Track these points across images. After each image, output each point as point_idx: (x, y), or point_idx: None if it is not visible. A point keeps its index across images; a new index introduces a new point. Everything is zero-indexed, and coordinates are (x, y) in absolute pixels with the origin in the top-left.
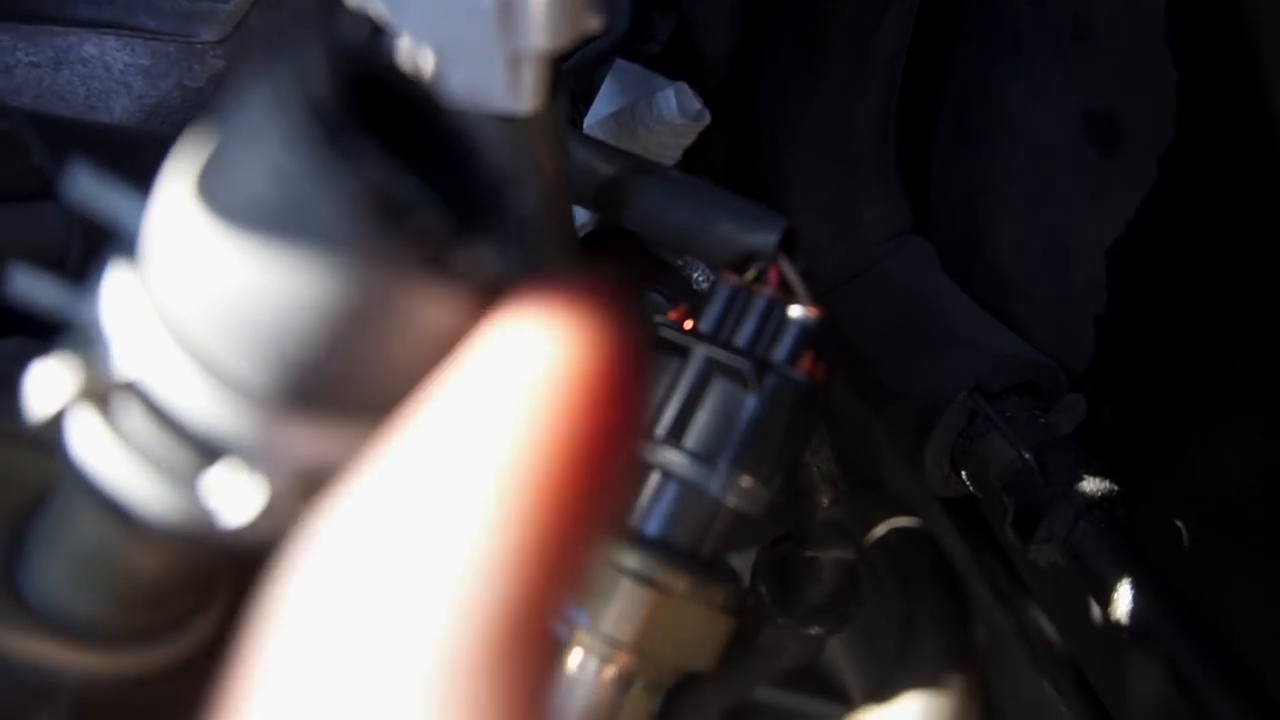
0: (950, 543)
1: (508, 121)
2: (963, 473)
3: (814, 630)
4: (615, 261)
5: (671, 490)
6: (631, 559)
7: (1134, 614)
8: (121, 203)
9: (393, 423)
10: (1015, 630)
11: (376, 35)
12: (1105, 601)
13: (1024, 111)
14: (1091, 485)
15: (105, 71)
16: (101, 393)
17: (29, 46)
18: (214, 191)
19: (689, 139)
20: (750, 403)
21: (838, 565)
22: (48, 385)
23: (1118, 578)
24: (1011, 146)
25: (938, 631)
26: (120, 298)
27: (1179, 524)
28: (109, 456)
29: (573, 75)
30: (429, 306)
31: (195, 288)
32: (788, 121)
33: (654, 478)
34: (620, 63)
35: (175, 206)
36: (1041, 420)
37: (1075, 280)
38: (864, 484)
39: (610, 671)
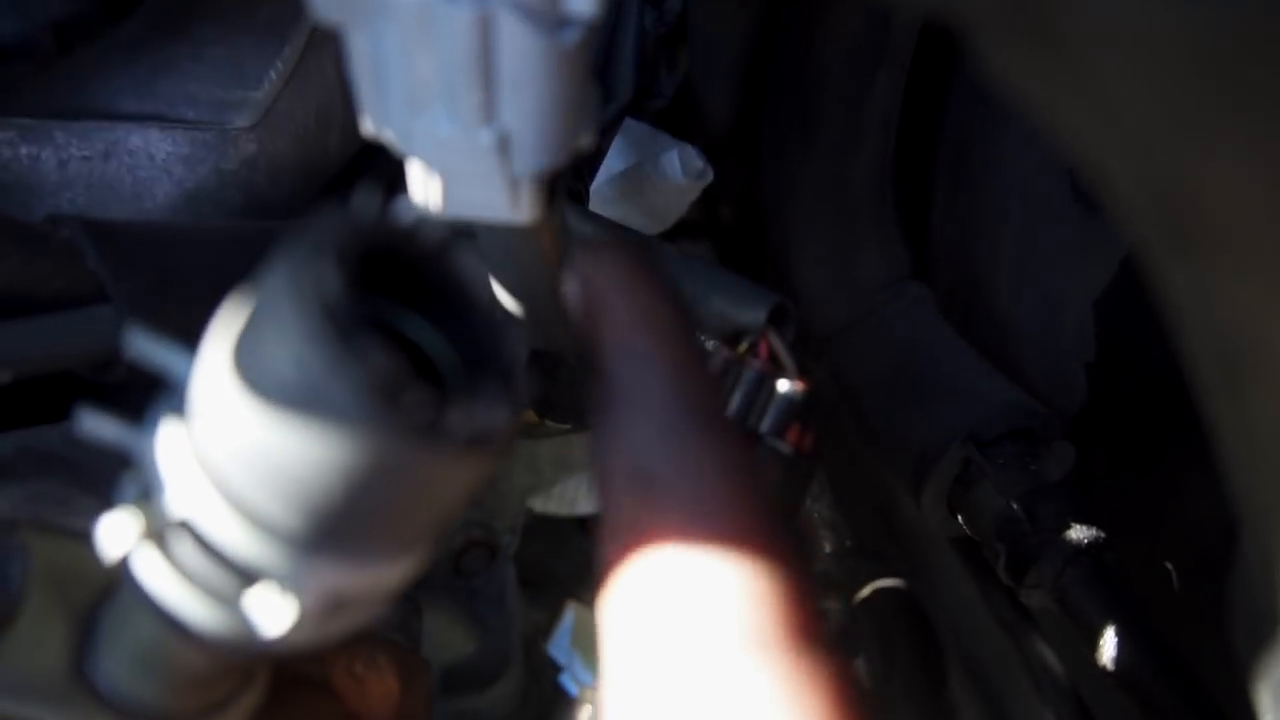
0: (956, 575)
1: (509, 229)
2: (959, 517)
3: None
4: None
5: None
6: None
7: (1117, 658)
8: (171, 357)
9: None
10: (1020, 661)
11: (388, 203)
12: (1091, 645)
13: (1015, 162)
14: (1078, 533)
15: (149, 161)
16: (158, 530)
17: (81, 142)
18: (246, 368)
19: (693, 195)
20: None
21: (837, 612)
22: (116, 533)
23: (1103, 623)
24: (1004, 196)
25: (910, 698)
26: (171, 447)
27: (1167, 566)
28: (165, 579)
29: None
30: (425, 462)
31: (233, 446)
32: (787, 177)
33: None
34: (629, 122)
35: (215, 375)
36: (1033, 467)
37: (1066, 328)
38: (878, 514)
39: None
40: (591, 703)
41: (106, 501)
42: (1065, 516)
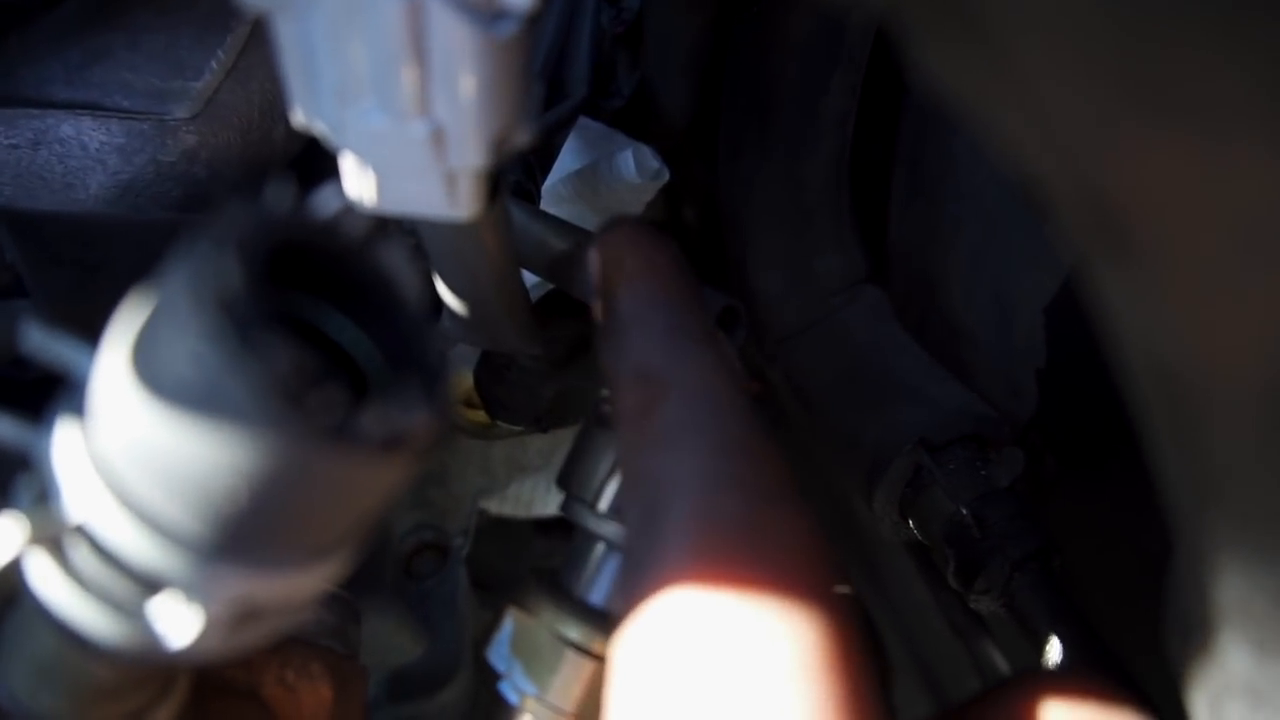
0: (909, 578)
1: (450, 226)
2: (910, 521)
3: None
4: (569, 320)
5: (614, 562)
6: (574, 630)
7: (1061, 664)
8: (72, 354)
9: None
10: (970, 665)
11: (306, 197)
12: (1038, 650)
13: (969, 167)
14: (1026, 539)
15: (82, 151)
16: (53, 535)
17: (8, 129)
18: (144, 366)
19: (649, 196)
20: None
21: None
22: (6, 536)
23: (1049, 628)
24: (958, 201)
25: None
26: (67, 448)
27: (1115, 571)
28: (61, 588)
29: (530, 144)
30: (334, 465)
31: (130, 448)
32: (743, 179)
33: (598, 549)
34: (583, 120)
35: (112, 374)
36: (983, 473)
37: (1017, 333)
38: (834, 515)
39: None
40: (532, 713)
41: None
42: (1014, 522)
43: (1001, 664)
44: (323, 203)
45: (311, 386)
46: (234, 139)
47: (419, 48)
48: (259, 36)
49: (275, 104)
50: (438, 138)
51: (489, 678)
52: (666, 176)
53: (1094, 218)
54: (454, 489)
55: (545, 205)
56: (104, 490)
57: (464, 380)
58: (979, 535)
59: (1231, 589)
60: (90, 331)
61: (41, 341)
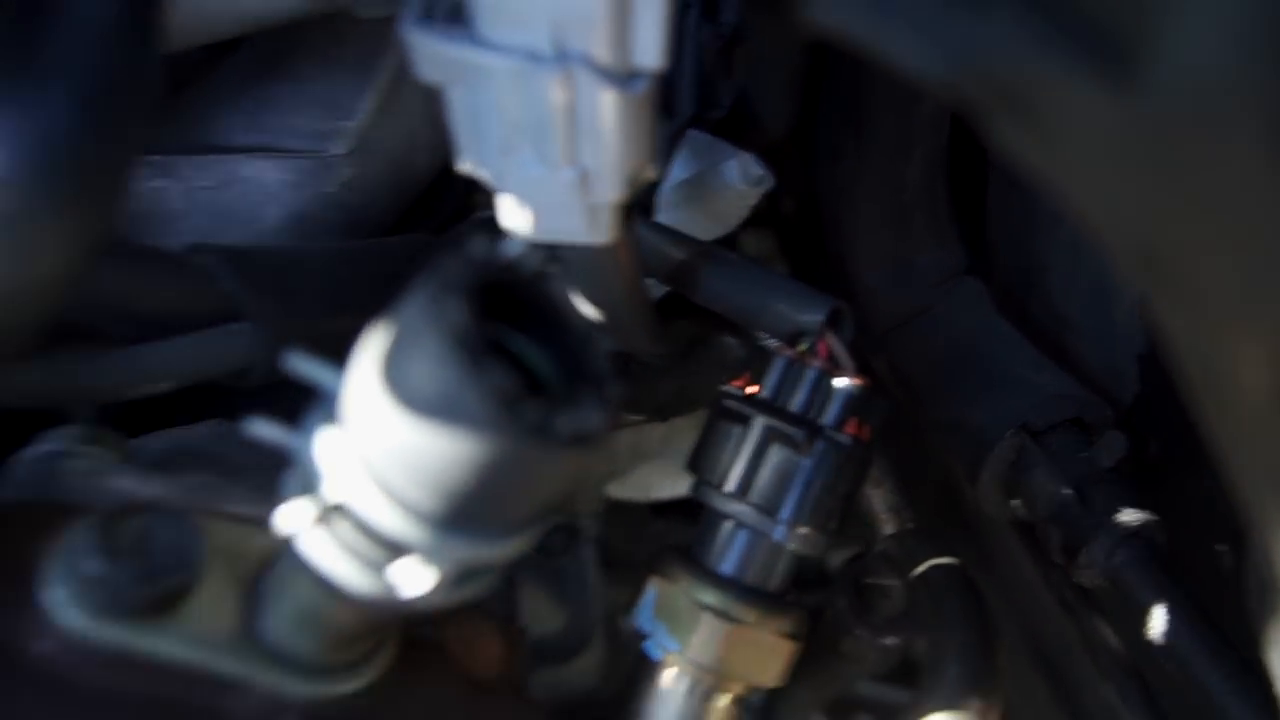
0: (1019, 557)
1: (589, 248)
2: (1014, 502)
3: (889, 640)
4: (686, 320)
5: (742, 538)
6: (710, 596)
7: (1166, 636)
8: (324, 374)
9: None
10: (1079, 640)
11: (496, 243)
12: (1141, 625)
13: None
14: (1130, 516)
15: (260, 188)
16: (323, 513)
17: (202, 174)
18: (393, 383)
19: (753, 200)
20: (804, 464)
21: (904, 586)
22: (293, 517)
23: (1152, 602)
24: None
25: (961, 661)
26: (330, 446)
27: (1218, 549)
28: (327, 553)
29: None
30: (536, 457)
31: (384, 445)
32: (843, 182)
33: (727, 526)
34: (690, 132)
35: (367, 388)
36: (1085, 455)
37: (1117, 319)
38: (943, 498)
39: (698, 689)
40: (675, 665)
41: (253, 490)
42: (1117, 501)
43: (1110, 638)
44: (508, 247)
45: (521, 400)
46: (383, 169)
47: (569, 109)
48: (403, 77)
49: (418, 135)
50: (583, 180)
51: (627, 645)
52: (770, 183)
53: (1141, 261)
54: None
55: (659, 212)
56: (362, 476)
57: None
58: (1082, 513)
59: None
60: (294, 344)
61: (299, 364)
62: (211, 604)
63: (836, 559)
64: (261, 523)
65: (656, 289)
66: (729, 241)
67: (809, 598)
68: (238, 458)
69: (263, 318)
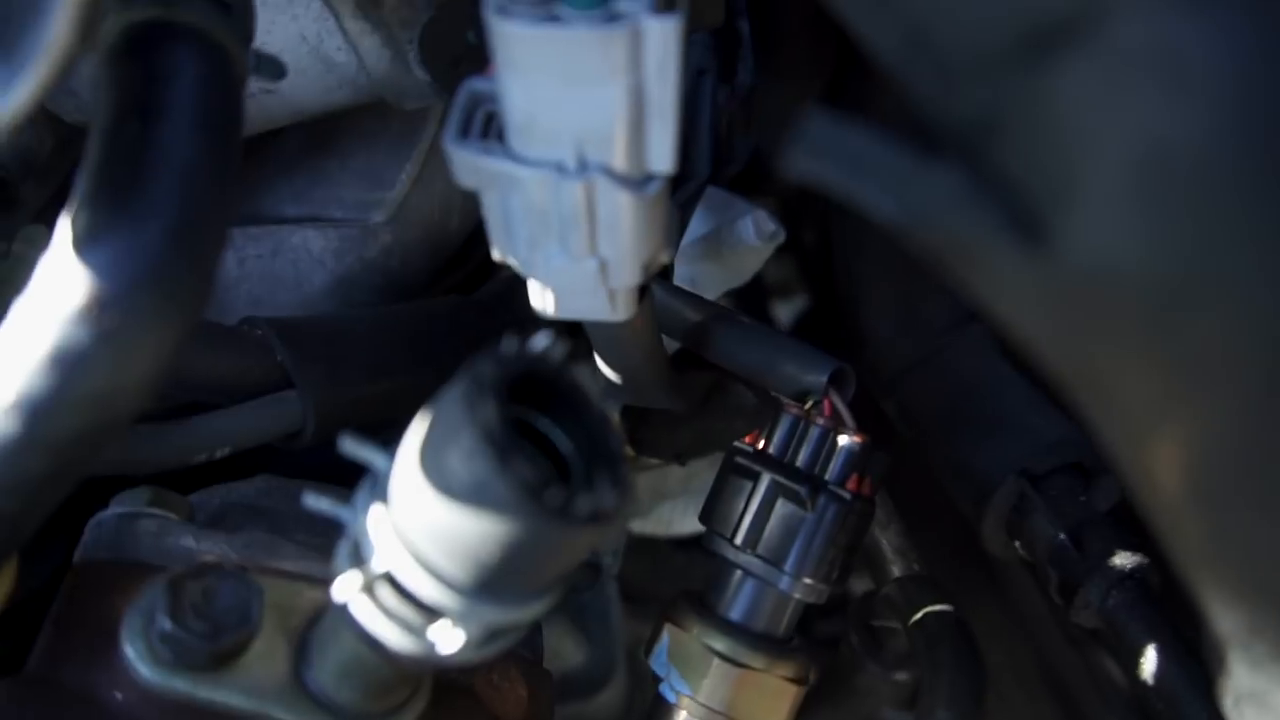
0: (1031, 596)
1: (610, 324)
2: (1017, 543)
3: (899, 676)
4: (701, 372)
5: (750, 587)
6: (720, 642)
7: (1156, 676)
8: (374, 455)
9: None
10: (1086, 674)
11: (524, 342)
12: (1135, 664)
13: None
14: (1123, 559)
15: (308, 255)
16: (370, 581)
17: (255, 243)
18: (432, 471)
19: (768, 254)
20: (809, 519)
21: (904, 631)
22: (345, 586)
23: (1144, 643)
24: None
25: (949, 705)
26: (377, 522)
27: None
28: (372, 616)
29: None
30: (558, 536)
31: (423, 524)
32: (854, 233)
33: (736, 575)
34: (708, 188)
35: (409, 475)
36: (1082, 499)
37: None
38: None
39: None
40: (686, 709)
41: (302, 545)
42: (1112, 544)
43: (1115, 672)
44: (535, 343)
45: (544, 487)
46: (420, 235)
47: (591, 211)
48: (438, 151)
49: (452, 202)
50: (603, 269)
51: (648, 679)
52: (782, 237)
53: (1071, 384)
54: None
55: (678, 264)
56: (404, 551)
57: (611, 417)
58: (1078, 557)
59: (1223, 627)
60: (342, 409)
61: (352, 447)
62: (266, 656)
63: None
64: (310, 579)
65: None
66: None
67: (824, 626)
68: (287, 512)
69: (311, 384)
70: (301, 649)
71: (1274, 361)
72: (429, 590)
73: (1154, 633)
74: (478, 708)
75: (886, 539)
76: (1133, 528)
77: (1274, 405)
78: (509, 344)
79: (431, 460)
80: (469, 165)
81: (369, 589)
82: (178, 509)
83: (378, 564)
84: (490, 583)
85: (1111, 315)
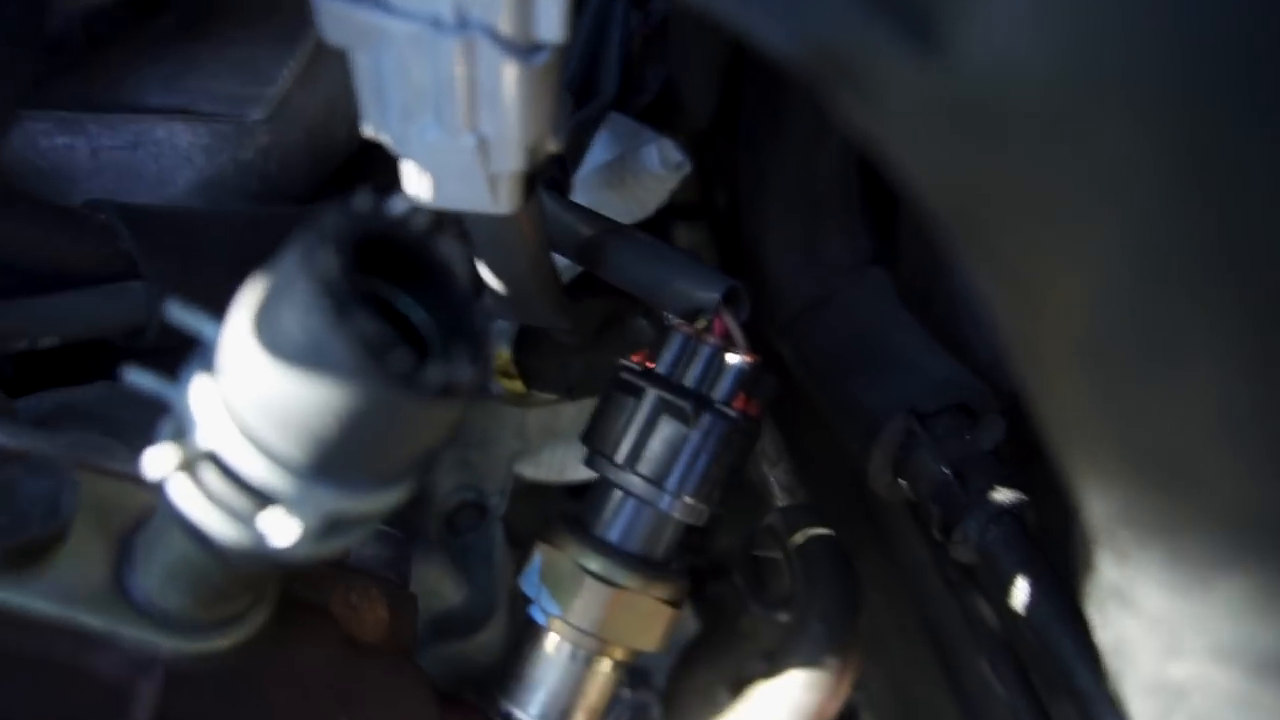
0: (912, 540)
1: (492, 219)
2: (901, 481)
3: (782, 617)
4: (597, 299)
5: (629, 506)
6: (594, 562)
7: (1027, 607)
8: (204, 324)
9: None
10: (961, 616)
11: (379, 201)
12: (1007, 596)
13: None
14: (1002, 495)
15: (173, 150)
16: (191, 460)
17: (111, 133)
18: (263, 331)
19: (672, 185)
20: (692, 435)
21: (785, 556)
22: (158, 461)
23: (1017, 575)
24: None
25: (823, 621)
26: (202, 394)
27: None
28: (195, 502)
29: (567, 129)
30: (404, 406)
31: (253, 394)
32: (759, 169)
33: (616, 495)
34: (614, 115)
35: (238, 337)
36: (967, 437)
37: None
38: (848, 481)
39: (579, 653)
40: (556, 631)
41: (137, 449)
42: (992, 481)
43: (987, 613)
44: (394, 205)
45: (389, 348)
46: (302, 139)
47: (470, 77)
48: (325, 48)
49: (339, 107)
50: (483, 148)
51: (522, 621)
52: (688, 168)
53: (955, 224)
54: (492, 452)
55: (578, 193)
56: (231, 426)
57: (503, 353)
58: (960, 493)
59: (1093, 513)
60: (192, 305)
61: (179, 314)
62: (80, 557)
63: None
64: (143, 481)
65: (570, 273)
66: (664, 234)
67: (715, 587)
68: (126, 419)
69: (158, 276)
70: (125, 551)
71: (1176, 171)
72: (259, 470)
73: (1027, 565)
74: (331, 627)
75: (775, 475)
76: (1013, 467)
77: (1173, 229)
78: (362, 199)
79: (263, 320)
80: (337, 16)
81: (190, 468)
82: None
83: (201, 440)
84: (328, 462)
85: (1005, 130)
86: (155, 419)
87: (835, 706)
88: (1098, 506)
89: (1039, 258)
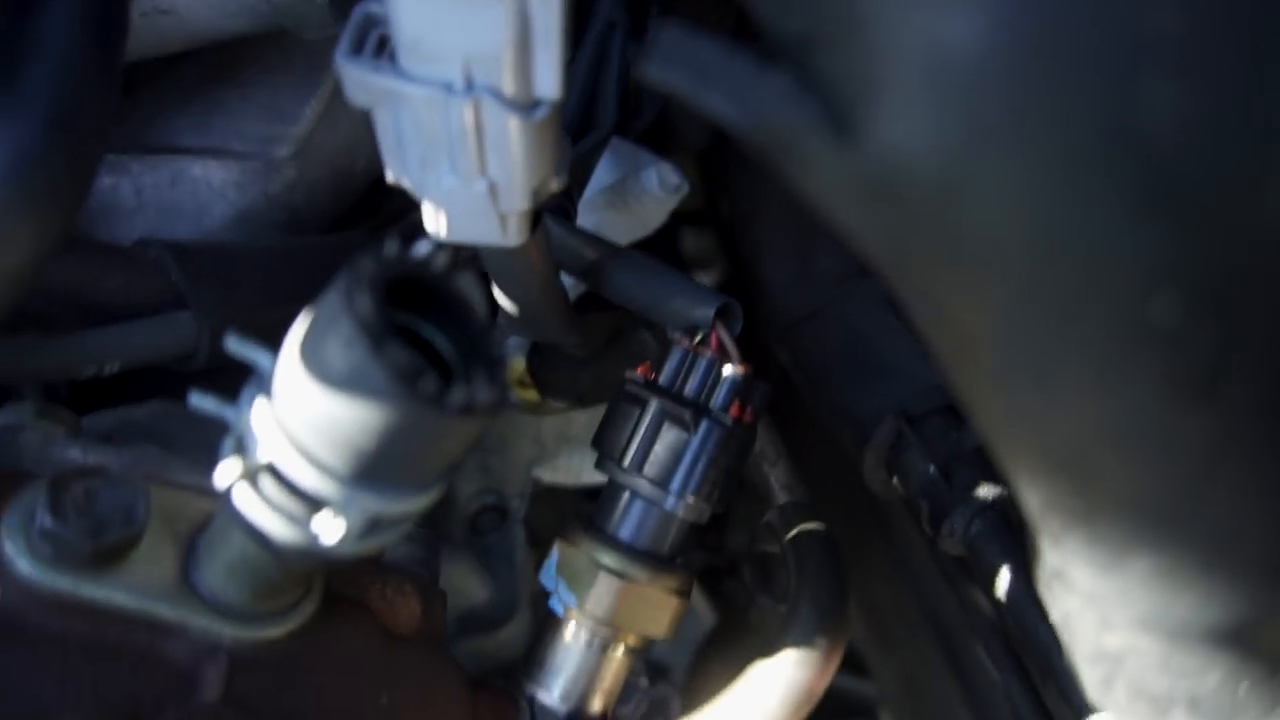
0: (911, 536)
1: (503, 250)
2: (894, 479)
3: (785, 609)
4: (603, 314)
5: (637, 506)
6: (607, 557)
7: (1009, 595)
8: (258, 354)
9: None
10: (958, 606)
11: (404, 248)
12: (991, 586)
13: None
14: (986, 491)
15: (208, 187)
16: (252, 471)
17: (153, 172)
18: (310, 361)
19: (671, 206)
20: (692, 441)
21: (782, 551)
22: (226, 471)
23: (1000, 565)
24: None
25: (813, 605)
26: (260, 414)
27: None
28: (255, 507)
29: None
30: (432, 423)
31: (303, 414)
32: (754, 185)
33: (625, 496)
34: (614, 140)
35: (290, 366)
36: (953, 437)
37: None
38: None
39: (595, 640)
40: (573, 619)
41: (192, 461)
42: (977, 477)
43: (983, 604)
44: (418, 248)
45: (418, 375)
46: (325, 173)
47: (479, 132)
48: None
49: (358, 142)
50: (493, 191)
51: (543, 614)
52: (686, 190)
53: (886, 265)
54: (510, 458)
55: (583, 215)
56: (285, 442)
57: (518, 365)
58: (946, 489)
59: (1028, 503)
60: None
61: (236, 346)
62: (152, 557)
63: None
64: (200, 490)
65: (578, 289)
66: (671, 240)
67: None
68: (180, 435)
69: (205, 307)
70: (190, 552)
71: (1035, 250)
72: (310, 479)
73: (1008, 555)
74: (369, 619)
75: (775, 475)
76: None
77: (1038, 293)
78: (390, 245)
79: (311, 351)
80: (359, 82)
81: (251, 478)
82: (65, 423)
83: (261, 454)
84: (368, 471)
85: (905, 203)
86: (204, 434)
87: (824, 682)
88: (1029, 498)
89: (948, 299)
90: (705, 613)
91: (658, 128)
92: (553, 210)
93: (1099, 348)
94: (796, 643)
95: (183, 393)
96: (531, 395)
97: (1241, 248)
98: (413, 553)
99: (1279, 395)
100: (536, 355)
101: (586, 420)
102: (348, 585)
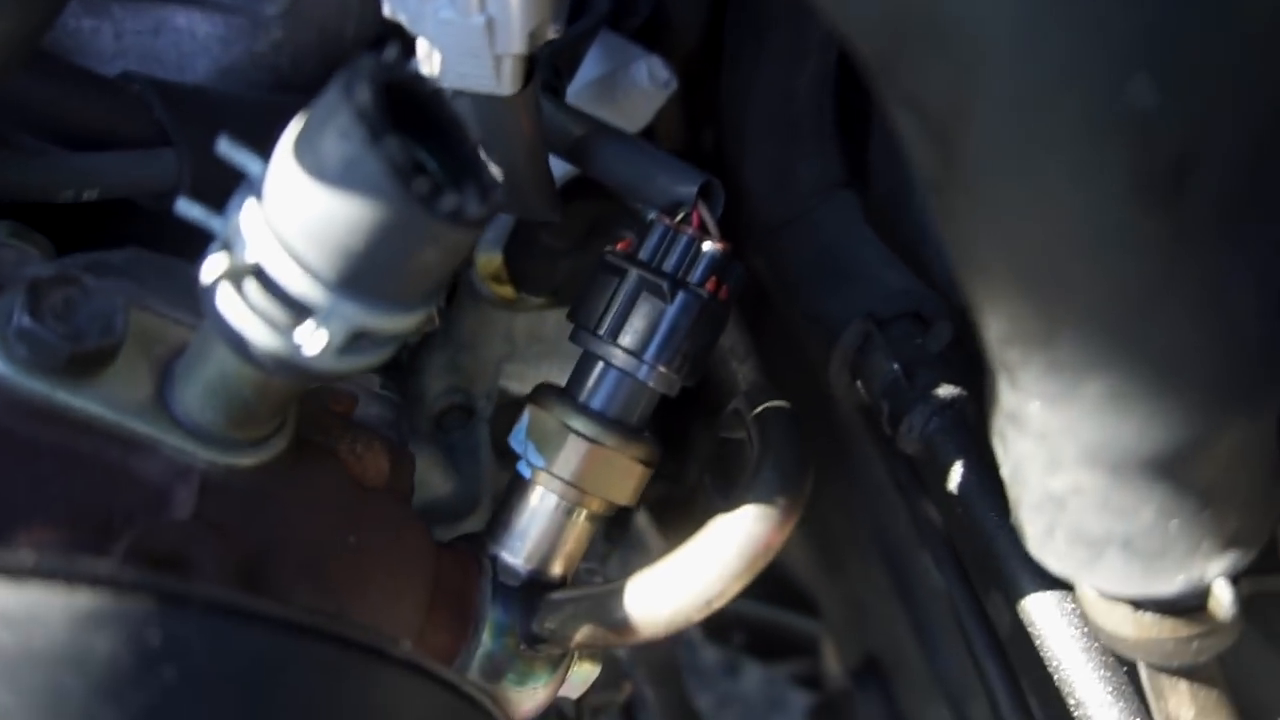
0: (867, 448)
1: (495, 100)
2: (857, 382)
3: None
4: (588, 200)
5: (610, 376)
6: (577, 421)
7: (960, 488)
8: (250, 158)
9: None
10: (908, 515)
11: (404, 58)
12: (944, 480)
13: None
14: (945, 391)
15: (192, 38)
16: (237, 270)
17: (135, 18)
18: (304, 155)
19: (659, 102)
20: (668, 311)
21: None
22: (211, 266)
23: (954, 460)
24: None
25: (774, 469)
26: (249, 215)
27: None
28: (238, 312)
29: (559, 51)
30: (424, 225)
31: (292, 210)
32: (740, 89)
33: (598, 365)
34: (605, 33)
35: (282, 162)
36: (918, 341)
37: None
38: (813, 396)
39: (561, 503)
40: (540, 482)
41: (170, 302)
42: (938, 379)
43: (932, 513)
44: (413, 65)
45: (412, 174)
46: (314, 37)
47: None
48: None
49: (348, 5)
50: (490, 27)
51: (510, 483)
52: (675, 86)
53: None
54: (480, 355)
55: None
56: (274, 241)
57: (494, 260)
58: (907, 388)
59: (991, 339)
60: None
61: (229, 150)
62: (128, 375)
63: None
64: (177, 319)
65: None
66: None
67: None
68: (156, 283)
69: (187, 142)
70: (166, 375)
71: (1020, 33)
72: (296, 283)
73: (962, 452)
74: (339, 466)
75: (742, 372)
76: (957, 369)
77: (1020, 80)
78: (391, 51)
79: (306, 144)
80: None
81: (236, 281)
82: (39, 246)
83: (248, 254)
84: (354, 278)
85: None
86: (180, 284)
87: (781, 537)
88: (993, 330)
89: (934, 89)
90: (657, 545)
91: (649, 27)
92: (543, 87)
93: (1074, 141)
94: (757, 499)
95: (158, 244)
96: (506, 291)
97: (1218, 34)
98: (383, 414)
99: (1239, 203)
100: (514, 244)
101: (558, 319)
102: (318, 434)
